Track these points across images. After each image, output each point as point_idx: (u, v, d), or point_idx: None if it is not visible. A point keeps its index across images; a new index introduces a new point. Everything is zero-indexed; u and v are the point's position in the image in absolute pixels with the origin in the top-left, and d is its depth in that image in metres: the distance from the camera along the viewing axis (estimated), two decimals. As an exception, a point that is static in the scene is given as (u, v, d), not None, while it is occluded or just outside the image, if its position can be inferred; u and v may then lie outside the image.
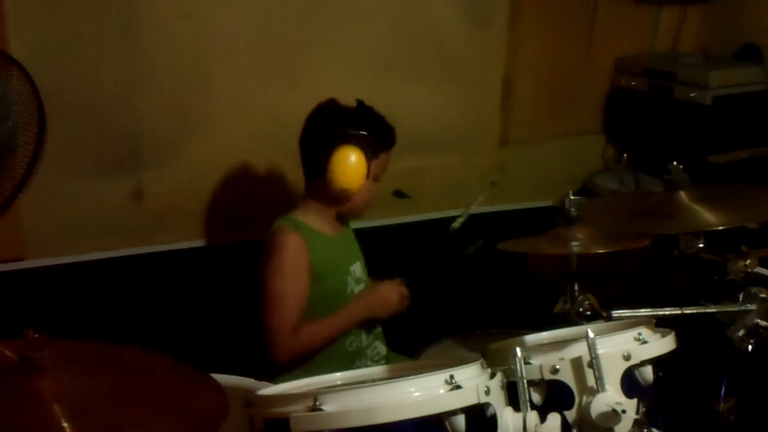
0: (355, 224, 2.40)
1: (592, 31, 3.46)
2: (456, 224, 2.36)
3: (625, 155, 3.18)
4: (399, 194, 2.92)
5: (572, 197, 1.80)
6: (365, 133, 2.12)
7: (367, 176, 2.13)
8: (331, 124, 2.14)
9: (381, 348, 2.33)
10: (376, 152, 2.16)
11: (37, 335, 1.15)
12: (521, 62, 3.37)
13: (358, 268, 2.28)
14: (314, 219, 2.20)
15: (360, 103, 2.20)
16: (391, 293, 2.25)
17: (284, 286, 2.11)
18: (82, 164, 2.76)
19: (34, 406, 1.12)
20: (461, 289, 3.02)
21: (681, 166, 1.82)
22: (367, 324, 2.26)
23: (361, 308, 2.21)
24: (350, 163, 2.09)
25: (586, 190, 3.39)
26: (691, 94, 3.20)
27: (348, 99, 2.20)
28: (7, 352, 1.17)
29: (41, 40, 2.61)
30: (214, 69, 2.86)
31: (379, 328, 2.33)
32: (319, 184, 2.16)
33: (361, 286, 2.27)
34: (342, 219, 2.28)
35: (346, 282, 2.23)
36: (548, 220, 1.88)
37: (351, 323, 2.20)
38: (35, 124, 1.93)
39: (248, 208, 2.92)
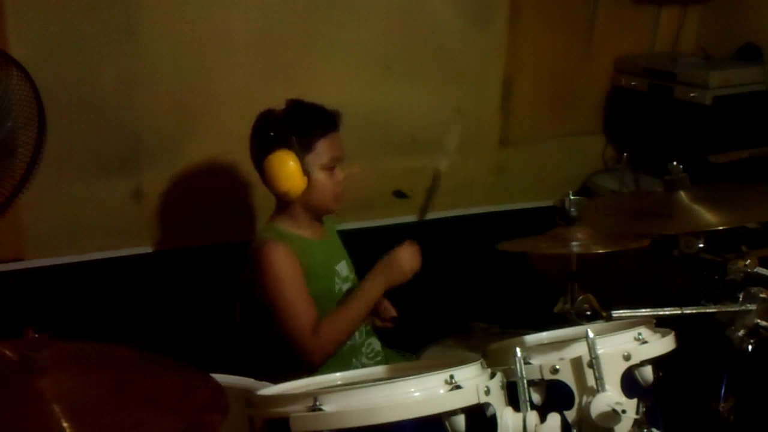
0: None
1: (592, 31, 3.46)
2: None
3: (625, 155, 3.17)
4: (399, 194, 2.91)
5: (572, 197, 1.80)
6: (288, 132, 2.12)
7: (306, 173, 2.12)
8: (259, 135, 2.19)
9: (376, 344, 2.33)
10: (311, 144, 2.14)
11: (37, 335, 1.15)
12: (521, 62, 3.37)
13: (343, 267, 2.29)
14: (291, 224, 2.21)
15: (289, 102, 2.21)
16: (407, 257, 2.20)
17: (288, 292, 2.12)
18: (82, 164, 2.76)
19: (34, 406, 1.12)
20: (462, 287, 3.02)
21: (681, 166, 1.82)
22: None
23: (377, 280, 2.19)
24: (280, 168, 2.11)
25: (586, 190, 3.39)
26: (691, 94, 3.20)
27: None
28: (7, 352, 1.17)
29: (41, 40, 2.61)
30: (214, 69, 2.86)
31: (371, 326, 2.33)
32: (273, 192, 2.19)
33: (348, 285, 2.28)
34: (320, 219, 2.29)
35: (333, 282, 2.24)
36: (548, 220, 1.88)
37: (371, 298, 2.18)
38: (35, 124, 1.93)
39: (248, 208, 2.92)
